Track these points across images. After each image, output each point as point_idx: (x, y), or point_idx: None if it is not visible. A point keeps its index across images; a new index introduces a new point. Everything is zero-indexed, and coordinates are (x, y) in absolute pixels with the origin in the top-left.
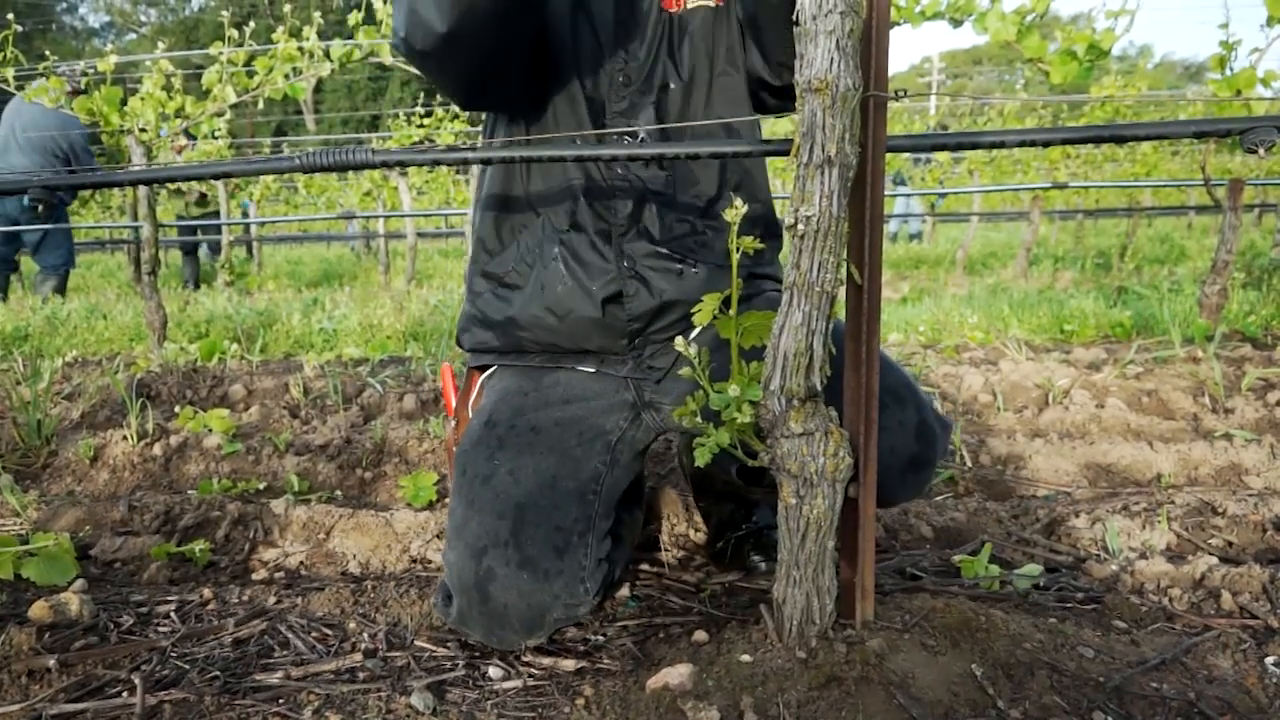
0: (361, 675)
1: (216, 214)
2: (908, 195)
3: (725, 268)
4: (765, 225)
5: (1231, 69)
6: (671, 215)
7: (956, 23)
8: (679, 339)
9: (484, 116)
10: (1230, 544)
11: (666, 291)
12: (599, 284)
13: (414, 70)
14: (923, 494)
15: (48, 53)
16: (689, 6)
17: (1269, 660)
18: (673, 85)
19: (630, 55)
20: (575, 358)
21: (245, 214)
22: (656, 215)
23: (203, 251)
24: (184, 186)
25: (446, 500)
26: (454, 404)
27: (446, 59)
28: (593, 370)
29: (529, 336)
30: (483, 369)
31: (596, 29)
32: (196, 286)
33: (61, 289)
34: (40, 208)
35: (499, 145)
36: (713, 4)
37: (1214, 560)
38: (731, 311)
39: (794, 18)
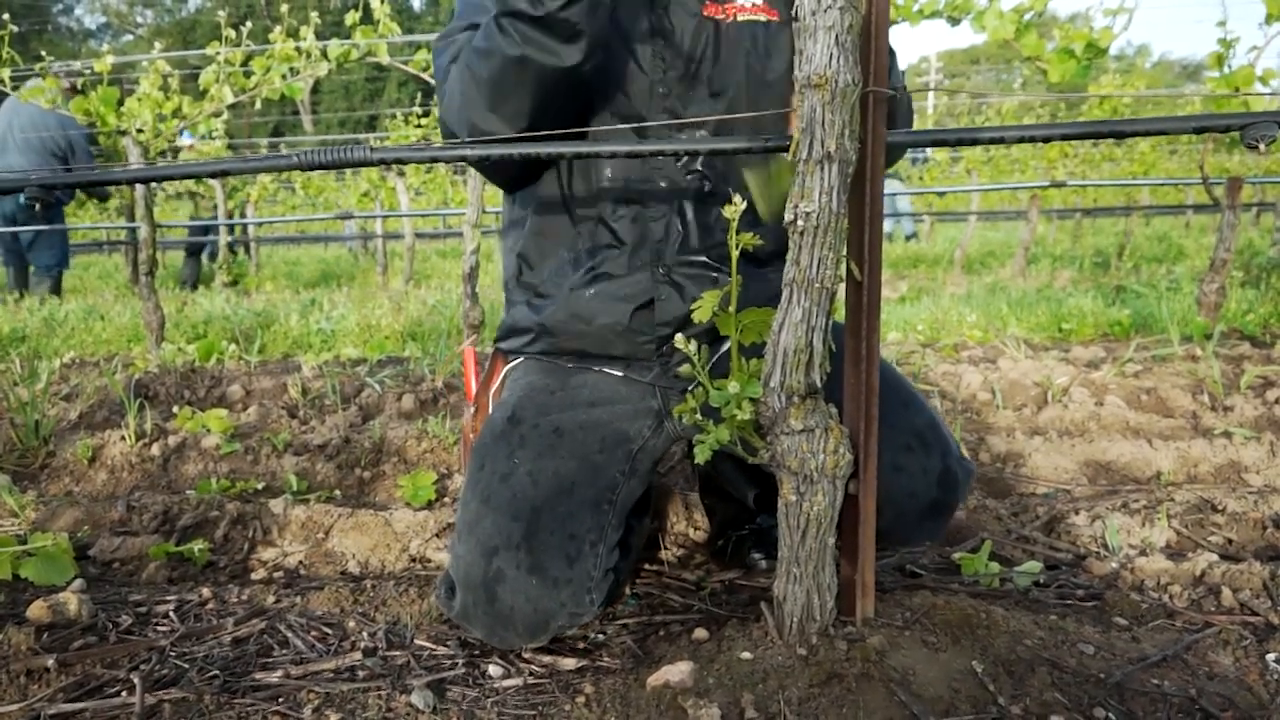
0: (361, 674)
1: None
2: (892, 195)
3: (763, 278)
4: None
5: (1230, 67)
6: (710, 222)
7: (954, 21)
8: (679, 336)
9: None
10: (1230, 541)
11: (699, 297)
12: (630, 293)
13: (411, 71)
14: (940, 538)
15: (44, 53)
16: (739, 19)
17: (1270, 657)
18: (715, 95)
19: (669, 65)
20: (603, 361)
21: (242, 214)
22: (695, 222)
23: (206, 253)
24: (180, 188)
25: (445, 499)
26: (474, 390)
27: (510, 161)
28: (620, 374)
29: (558, 342)
30: (508, 358)
31: (631, 43)
32: (194, 288)
33: (56, 289)
34: (37, 206)
35: (497, 141)
36: (765, 19)
37: (1214, 557)
38: (731, 308)
39: (793, 13)
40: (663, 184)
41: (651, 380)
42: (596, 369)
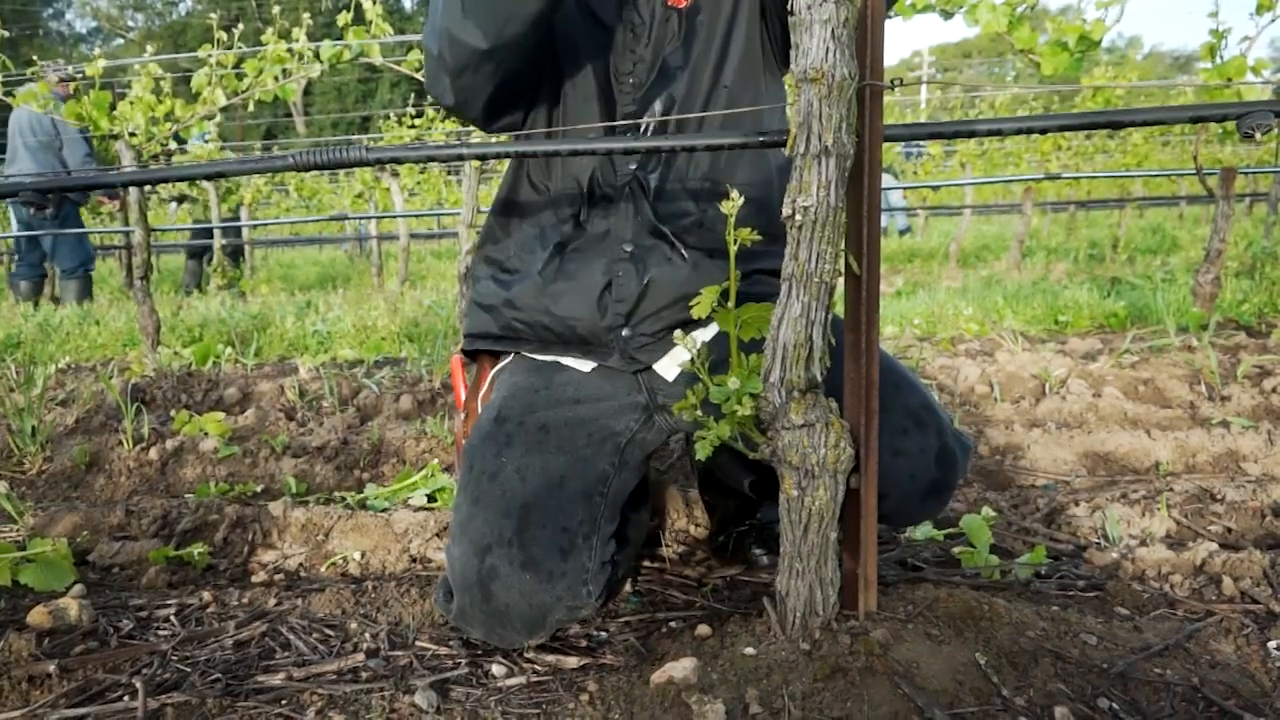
0: (364, 675)
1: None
2: (885, 189)
3: (715, 254)
4: (763, 208)
5: (1222, 57)
6: (668, 195)
7: (947, 15)
8: (677, 332)
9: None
10: (1230, 530)
11: (655, 275)
12: (598, 269)
13: (404, 71)
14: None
15: (35, 58)
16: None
17: (1271, 644)
18: (680, 81)
19: (638, 57)
20: (564, 347)
21: (236, 217)
22: (655, 198)
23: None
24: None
25: (446, 501)
26: (463, 397)
27: (482, 77)
28: (593, 365)
29: (522, 317)
30: (493, 360)
31: (603, 33)
32: (189, 292)
33: (87, 292)
34: (32, 210)
35: (493, 142)
36: None
37: (1214, 546)
38: (730, 304)
39: (789, 7)
40: (627, 176)
41: (614, 364)
42: (567, 363)
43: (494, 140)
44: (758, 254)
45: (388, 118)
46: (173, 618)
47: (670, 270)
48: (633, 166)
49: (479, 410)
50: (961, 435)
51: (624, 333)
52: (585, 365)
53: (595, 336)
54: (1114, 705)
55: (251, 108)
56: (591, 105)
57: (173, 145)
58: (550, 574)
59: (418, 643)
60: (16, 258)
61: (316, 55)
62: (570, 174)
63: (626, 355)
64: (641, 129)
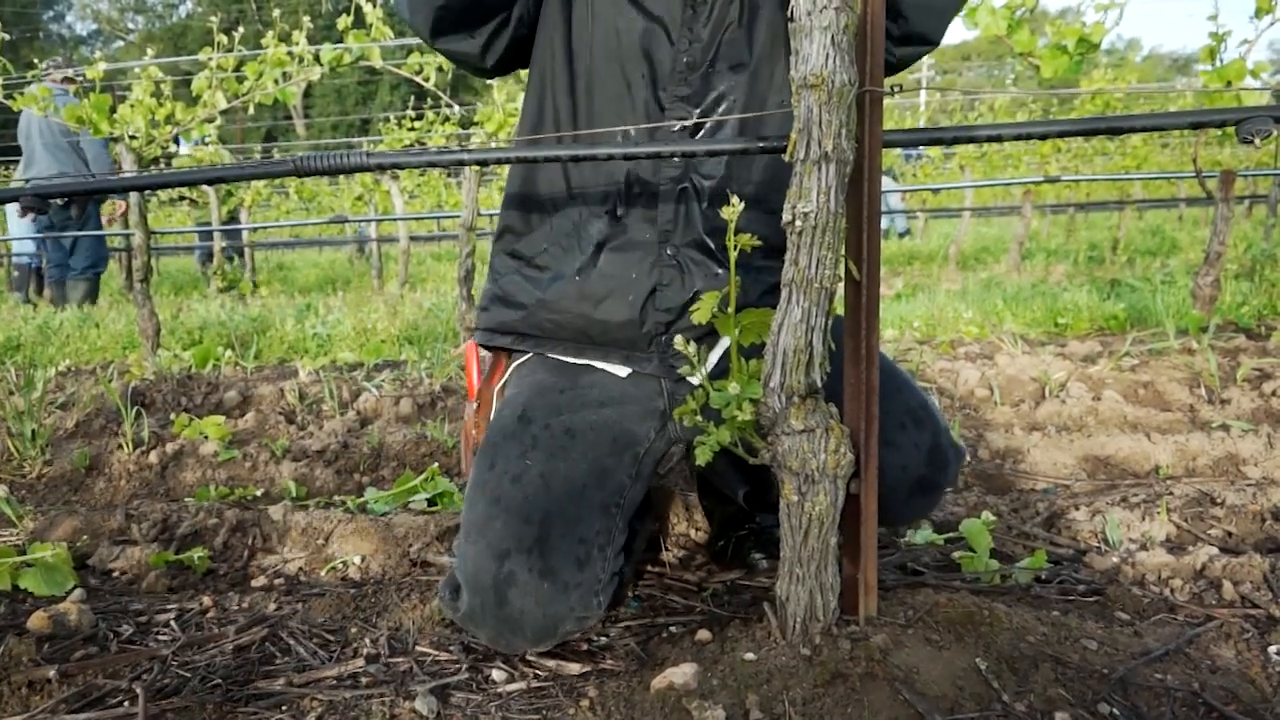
0: (364, 680)
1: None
2: (885, 192)
3: (764, 270)
4: None
5: (1221, 60)
6: (721, 204)
7: None
8: (678, 338)
9: (521, 108)
10: (1230, 534)
11: (702, 287)
12: (641, 273)
13: (404, 74)
14: (928, 517)
15: (35, 60)
16: None
17: (1271, 649)
18: (739, 69)
19: (695, 36)
20: (602, 350)
21: (236, 219)
22: (704, 208)
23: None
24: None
25: (446, 505)
26: (476, 385)
27: None
28: (626, 371)
29: (558, 320)
30: (508, 353)
31: (658, 10)
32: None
33: (93, 293)
34: (31, 215)
35: (494, 147)
36: None
37: (1214, 550)
38: (730, 309)
39: (790, 14)
40: (675, 170)
41: (652, 371)
42: (599, 366)
43: (494, 145)
44: None
45: (387, 120)
46: (173, 623)
47: (717, 284)
48: (677, 160)
49: (493, 401)
50: (956, 443)
51: (663, 339)
52: (620, 370)
53: (633, 341)
54: (1114, 711)
55: (251, 110)
56: (637, 79)
57: (172, 148)
58: (566, 585)
59: (418, 648)
60: (40, 260)
61: (316, 58)
62: (602, 165)
63: (665, 362)
64: (695, 127)
